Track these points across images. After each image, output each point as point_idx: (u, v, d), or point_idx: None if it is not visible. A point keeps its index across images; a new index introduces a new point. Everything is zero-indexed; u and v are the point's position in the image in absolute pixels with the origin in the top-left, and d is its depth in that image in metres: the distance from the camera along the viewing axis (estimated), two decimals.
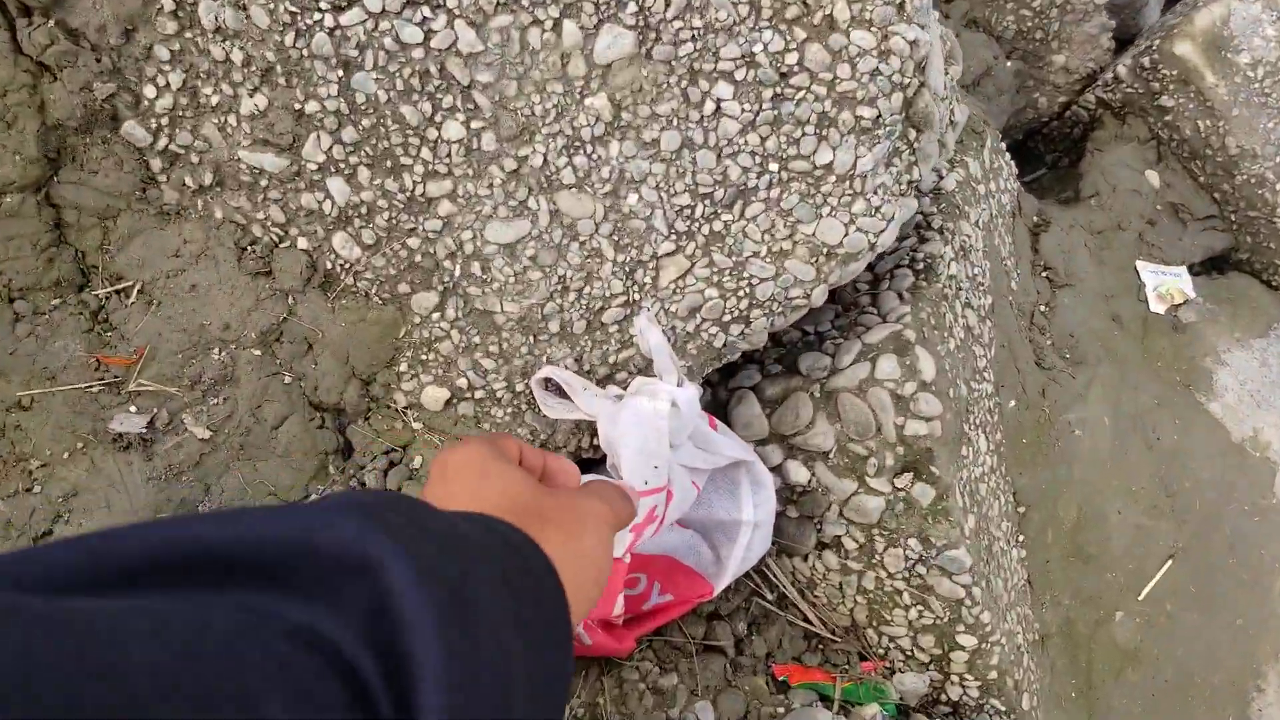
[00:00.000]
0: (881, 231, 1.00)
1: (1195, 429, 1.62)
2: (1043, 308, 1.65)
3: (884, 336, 1.15)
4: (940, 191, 1.42)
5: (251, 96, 0.94)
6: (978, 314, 1.36)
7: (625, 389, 1.06)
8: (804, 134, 0.95)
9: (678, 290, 1.04)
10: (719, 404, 1.26)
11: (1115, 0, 2.35)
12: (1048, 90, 2.11)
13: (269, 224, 1.04)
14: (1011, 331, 1.49)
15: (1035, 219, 1.78)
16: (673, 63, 0.95)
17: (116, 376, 1.04)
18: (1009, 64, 2.02)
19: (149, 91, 0.93)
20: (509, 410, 1.10)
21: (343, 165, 0.98)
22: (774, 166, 0.97)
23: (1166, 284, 1.81)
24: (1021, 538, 1.39)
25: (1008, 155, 1.78)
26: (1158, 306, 1.78)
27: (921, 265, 1.26)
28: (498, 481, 0.58)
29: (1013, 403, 1.41)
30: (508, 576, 0.40)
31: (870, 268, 1.33)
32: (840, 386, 1.14)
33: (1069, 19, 2.01)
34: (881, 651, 1.29)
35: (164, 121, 0.96)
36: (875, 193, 0.98)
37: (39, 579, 0.27)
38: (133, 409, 1.04)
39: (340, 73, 0.93)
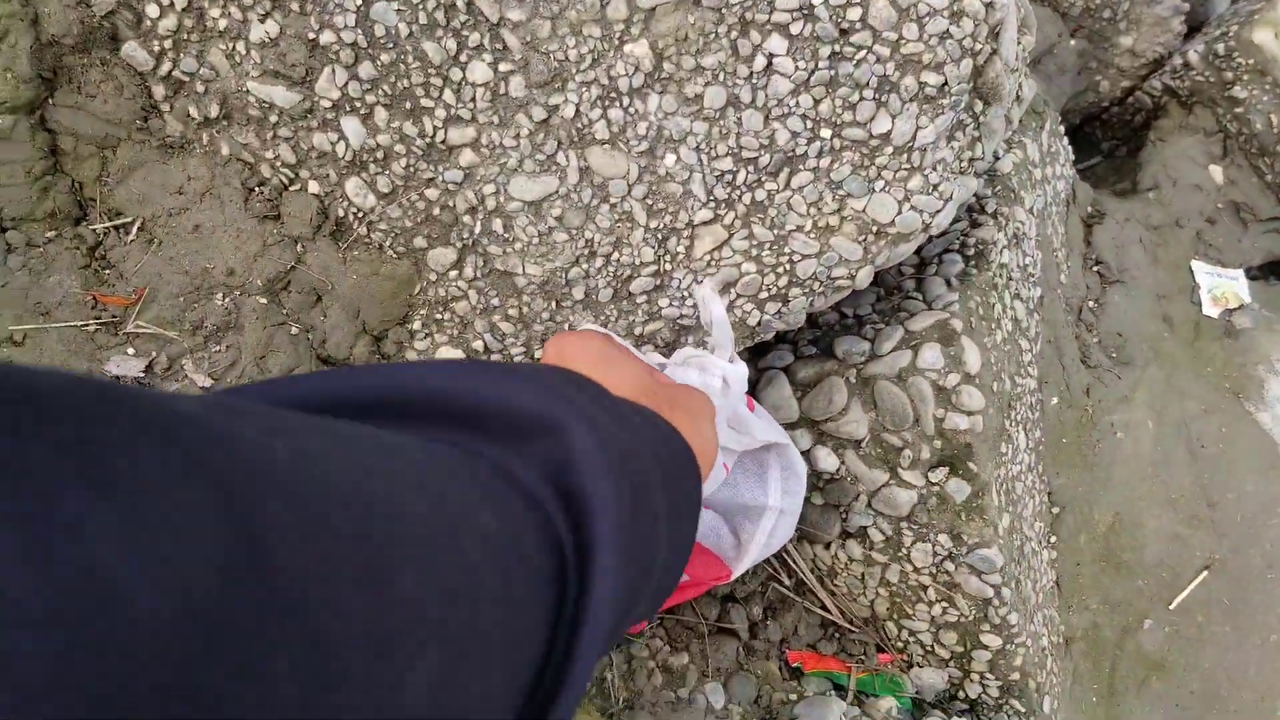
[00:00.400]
0: (938, 212, 0.87)
1: (1242, 439, 1.48)
2: (1091, 304, 1.51)
3: (929, 324, 1.02)
4: (996, 174, 1.28)
5: (262, 22, 0.82)
6: (1026, 306, 1.22)
7: (667, 355, 0.95)
8: (861, 99, 0.83)
9: (713, 263, 0.93)
10: (748, 384, 1.14)
11: None
12: (1111, 74, 1.94)
13: (278, 164, 0.92)
14: (1059, 326, 1.35)
15: (1090, 209, 1.63)
16: (723, 10, 0.82)
17: (114, 316, 0.94)
18: (1073, 43, 1.85)
19: (151, 10, 0.82)
20: None
21: (358, 104, 0.87)
22: (826, 133, 0.84)
23: (1222, 287, 1.65)
24: (1054, 539, 1.27)
25: (1065, 140, 1.63)
26: (1211, 310, 1.63)
27: (973, 251, 1.13)
28: (621, 367, 0.59)
29: (1055, 400, 1.28)
30: (657, 452, 0.42)
31: (917, 251, 1.20)
32: (878, 373, 1.02)
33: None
34: (900, 645, 1.18)
35: (167, 44, 0.84)
36: (934, 169, 0.85)
37: (293, 400, 0.31)
38: (130, 351, 0.94)
39: (359, 1, 0.81)
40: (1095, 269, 1.54)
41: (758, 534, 1.00)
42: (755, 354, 1.17)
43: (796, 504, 0.99)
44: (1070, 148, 1.63)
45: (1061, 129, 1.62)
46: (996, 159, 1.31)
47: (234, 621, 0.17)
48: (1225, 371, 1.55)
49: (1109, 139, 2.02)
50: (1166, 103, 1.85)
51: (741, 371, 0.89)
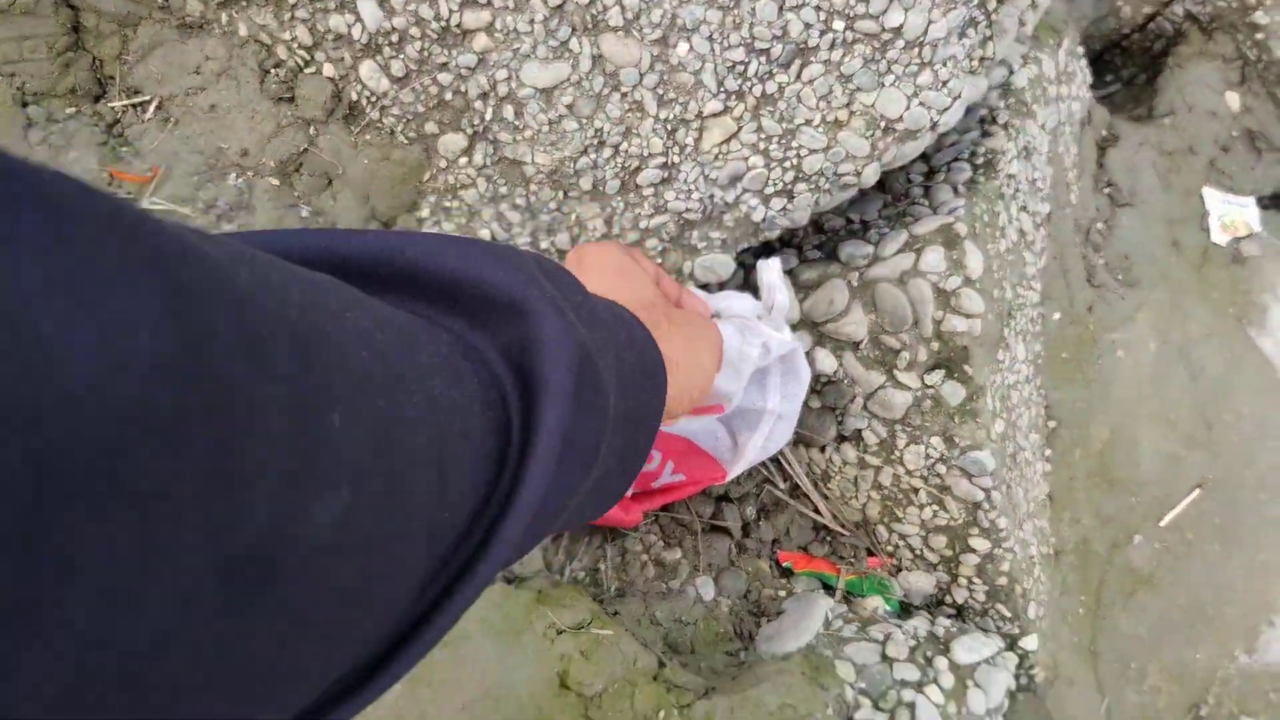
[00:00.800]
0: (946, 109, 0.89)
1: (1243, 363, 1.51)
2: (1100, 225, 1.52)
3: (934, 228, 1.04)
4: (1010, 87, 1.28)
5: None
6: (1033, 220, 1.24)
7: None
8: None
9: (720, 155, 0.94)
10: (753, 287, 1.17)
11: None
12: (1133, 0, 1.92)
13: (295, 46, 0.94)
14: (1065, 244, 1.37)
15: (1104, 132, 1.64)
16: None
17: (130, 193, 0.97)
18: None
19: None
20: None
21: None
22: (839, 25, 0.85)
23: (1232, 214, 1.66)
24: (1048, 452, 1.30)
25: (1084, 61, 1.62)
26: (1220, 237, 1.64)
27: (982, 160, 1.14)
28: (633, 281, 0.61)
29: (1057, 315, 1.30)
30: (621, 354, 0.43)
31: (926, 159, 1.22)
32: (880, 276, 1.04)
33: None
34: (890, 549, 1.22)
35: None
36: (944, 64, 0.86)
37: (283, 251, 0.32)
38: None
39: None
40: (1106, 191, 1.55)
41: (755, 438, 1.03)
42: (759, 257, 1.19)
43: (795, 408, 1.02)
44: (1089, 70, 1.62)
45: (1080, 50, 1.61)
46: (1011, 72, 1.31)
47: (157, 412, 0.17)
48: (1230, 297, 1.57)
49: (1129, 66, 2.01)
50: (1187, 29, 1.83)
51: (786, 340, 0.91)
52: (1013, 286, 1.15)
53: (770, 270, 0.96)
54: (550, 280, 0.39)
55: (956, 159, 1.17)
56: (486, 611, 0.91)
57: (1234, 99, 1.74)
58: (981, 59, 0.88)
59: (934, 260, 1.02)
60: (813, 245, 1.17)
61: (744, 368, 0.84)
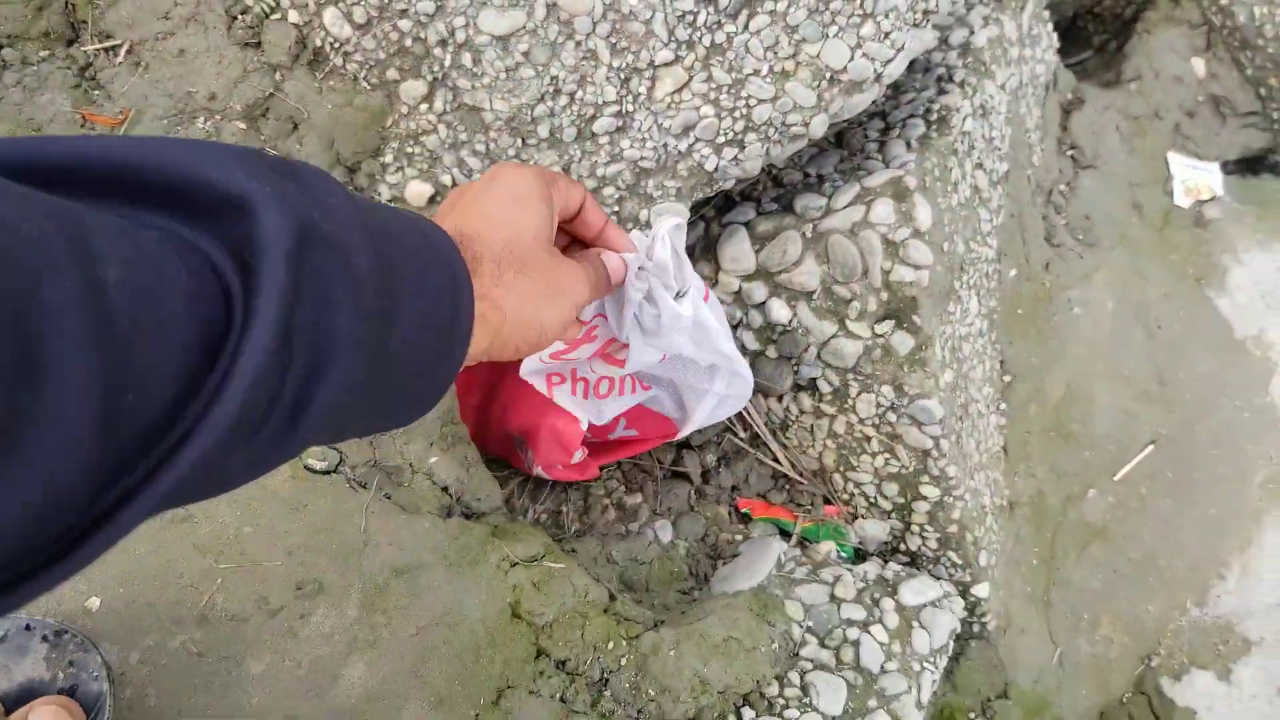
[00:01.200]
0: (889, 61, 0.93)
1: (1199, 322, 1.56)
2: (1063, 187, 1.57)
3: (884, 181, 1.08)
4: (969, 47, 1.32)
5: None
6: (989, 178, 1.29)
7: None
8: None
9: (673, 105, 0.98)
10: (711, 239, 1.21)
11: None
12: None
13: None
14: (1024, 203, 1.41)
15: (1069, 96, 1.68)
16: None
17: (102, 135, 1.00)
18: None
19: None
20: None
21: None
22: None
23: (1196, 178, 1.71)
24: (1004, 406, 1.35)
25: (1050, 26, 1.66)
26: (1183, 200, 1.69)
27: (936, 117, 1.19)
28: (522, 214, 0.58)
29: (1013, 272, 1.35)
30: (395, 264, 0.42)
31: (884, 117, 1.26)
32: (832, 227, 1.09)
33: None
34: (846, 497, 1.27)
35: None
36: (886, 16, 0.90)
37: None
38: None
39: None
40: (1069, 153, 1.60)
41: (702, 407, 1.06)
42: (721, 210, 1.24)
43: (742, 397, 1.04)
44: (1054, 34, 1.66)
45: (1046, 14, 1.65)
46: (971, 33, 1.35)
47: None
48: (1190, 259, 1.62)
49: (1100, 33, 2.05)
50: None
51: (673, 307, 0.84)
52: (965, 241, 1.19)
53: (660, 224, 0.90)
54: (286, 178, 0.38)
55: (912, 116, 1.21)
56: (441, 542, 0.96)
57: (1200, 65, 1.79)
58: (925, 11, 0.93)
59: (884, 212, 1.06)
60: (770, 199, 1.21)
61: (624, 304, 0.84)
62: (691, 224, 1.23)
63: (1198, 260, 1.62)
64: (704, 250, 1.21)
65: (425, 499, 0.98)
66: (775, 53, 0.94)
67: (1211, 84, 1.78)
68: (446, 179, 1.04)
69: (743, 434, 1.29)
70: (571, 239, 0.74)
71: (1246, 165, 1.88)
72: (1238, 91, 1.78)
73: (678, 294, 0.85)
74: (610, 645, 0.97)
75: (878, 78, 0.95)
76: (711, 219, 1.24)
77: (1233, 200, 1.71)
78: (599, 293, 0.69)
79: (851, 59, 0.93)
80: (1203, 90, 1.78)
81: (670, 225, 0.81)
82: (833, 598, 1.11)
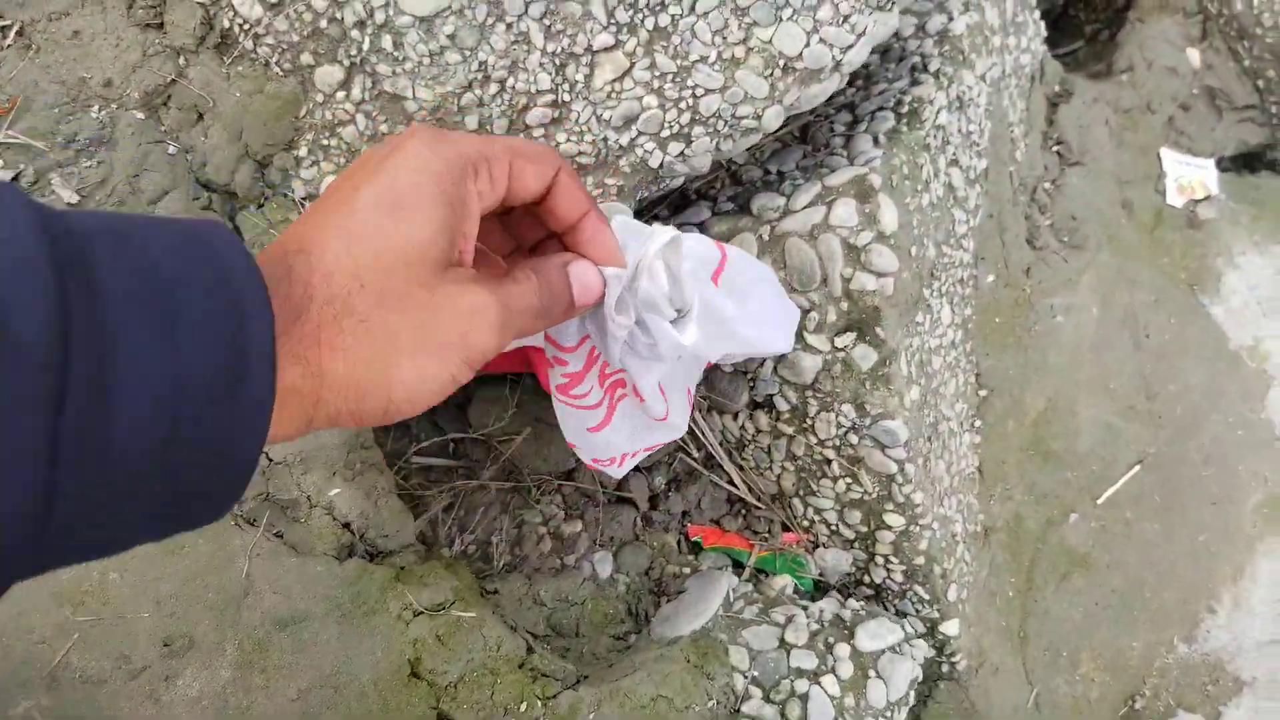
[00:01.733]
0: (849, 47, 0.89)
1: (1191, 330, 1.53)
2: (1047, 185, 1.54)
3: (847, 180, 1.04)
4: (947, 35, 1.29)
5: None
6: (965, 175, 1.25)
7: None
8: None
9: (613, 94, 0.94)
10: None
11: None
12: None
13: None
14: (1005, 202, 1.38)
15: (1056, 88, 1.65)
16: None
17: None
18: None
19: None
20: None
21: None
22: None
23: (1189, 176, 1.68)
24: (979, 423, 1.32)
25: (1037, 14, 1.63)
26: (1176, 199, 1.66)
27: (907, 109, 1.15)
28: (389, 232, 0.43)
29: (991, 278, 1.31)
30: (109, 329, 0.32)
31: (852, 109, 1.22)
32: (790, 230, 1.05)
33: None
34: (806, 524, 1.23)
35: None
36: None
37: None
38: None
39: None
40: (1055, 149, 1.57)
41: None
42: (676, 210, 1.19)
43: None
44: (1041, 22, 1.63)
45: (1033, 1, 1.62)
46: (950, 19, 1.32)
47: None
48: (1182, 262, 1.59)
49: (1092, 22, 2.02)
50: None
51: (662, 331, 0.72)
52: (937, 245, 1.16)
53: (649, 240, 0.71)
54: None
55: (881, 108, 1.17)
56: (334, 589, 0.91)
57: (1195, 55, 1.76)
58: None
59: (845, 214, 1.02)
60: (727, 198, 1.17)
61: (607, 335, 0.74)
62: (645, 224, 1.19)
63: (1190, 263, 1.59)
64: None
65: (322, 538, 0.93)
66: (724, 37, 0.90)
67: (1207, 75, 1.76)
68: None
69: (696, 454, 1.25)
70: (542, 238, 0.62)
71: (1243, 162, 1.86)
72: (1234, 83, 1.76)
73: (678, 313, 0.72)
74: (523, 707, 0.92)
75: (837, 66, 0.92)
76: (666, 219, 1.19)
77: (1228, 199, 1.69)
78: (543, 323, 0.54)
79: (807, 45, 0.89)
80: (1198, 82, 1.76)
81: (661, 244, 0.68)
82: (782, 643, 1.07)
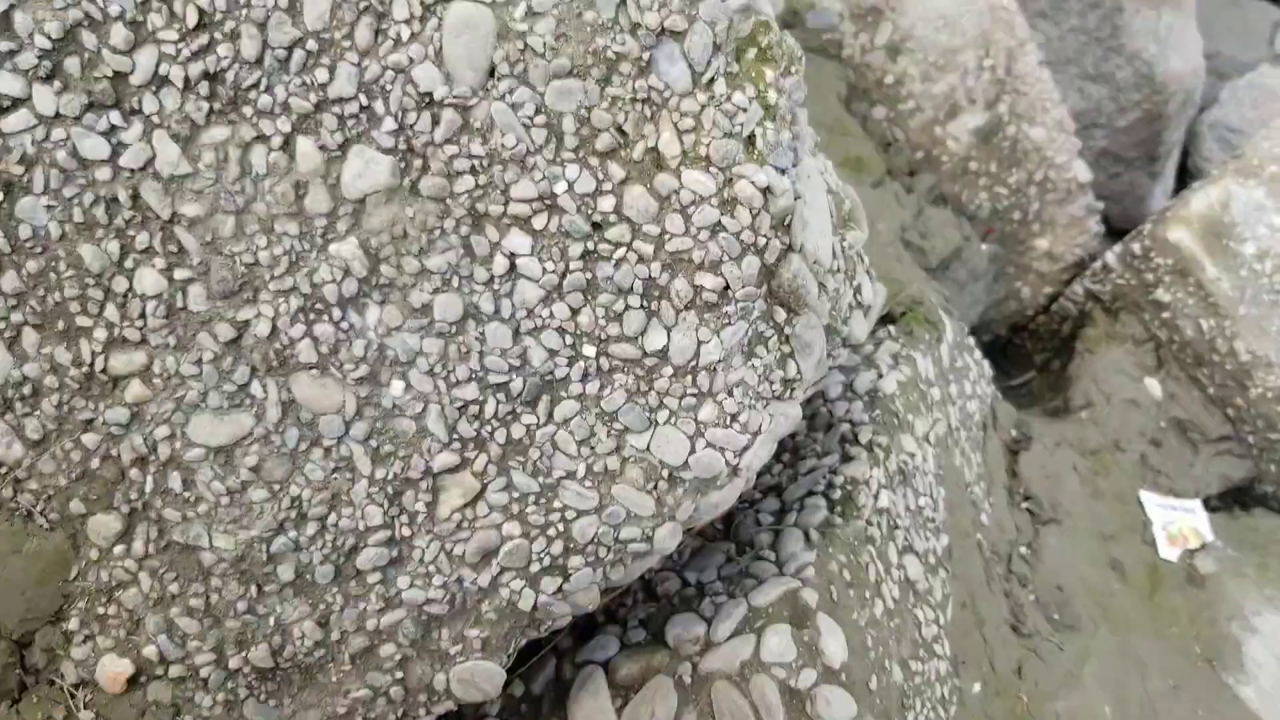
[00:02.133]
0: (744, 449, 0.75)
1: None
2: (1024, 549, 1.37)
3: (776, 597, 0.87)
4: (877, 395, 1.16)
5: None
6: (923, 562, 1.07)
7: None
8: (627, 307, 0.74)
9: (464, 524, 0.79)
10: (563, 684, 0.96)
11: (1113, 187, 2.21)
12: (1031, 279, 1.93)
13: None
14: (976, 584, 1.20)
15: (1014, 433, 1.53)
16: (448, 200, 0.74)
17: None
18: (984, 247, 1.82)
19: None
20: (220, 698, 0.81)
21: (1, 325, 0.75)
22: (590, 350, 0.74)
23: (1178, 522, 1.54)
24: None
25: (978, 353, 1.54)
26: (1168, 551, 1.51)
27: (839, 494, 0.99)
28: None
29: (977, 687, 1.11)
30: None
31: (778, 492, 1.06)
32: (715, 669, 0.86)
33: (1050, 198, 1.84)
34: None
35: None
36: (730, 393, 0.74)
37: None
38: None
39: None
40: (1024, 506, 1.42)
41: None
42: (579, 639, 1.00)
43: None
44: (985, 362, 1.54)
45: (970, 341, 1.53)
46: (880, 376, 1.20)
47: None
48: (1193, 630, 1.40)
49: (1040, 351, 1.98)
50: (1091, 309, 1.82)
51: None
52: (903, 663, 0.96)
53: None
54: None
55: (811, 493, 1.01)
56: None
57: (1154, 385, 1.69)
58: (785, 381, 0.76)
59: (779, 646, 0.83)
60: (639, 619, 0.97)
61: None
62: (540, 661, 0.99)
63: (1201, 630, 1.40)
64: (554, 703, 0.95)
65: None
66: (592, 447, 0.76)
67: (1172, 406, 1.67)
68: (152, 651, 0.81)
69: None
70: None
71: (1232, 498, 1.74)
72: (1202, 413, 1.67)
73: None
74: None
75: (735, 471, 0.77)
76: (565, 652, 0.99)
77: (1225, 546, 1.54)
78: None
79: (693, 451, 0.75)
80: (1163, 414, 1.67)
81: None
82: None
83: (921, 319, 1.33)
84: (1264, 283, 1.63)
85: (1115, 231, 2.04)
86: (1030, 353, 2.05)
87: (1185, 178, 2.47)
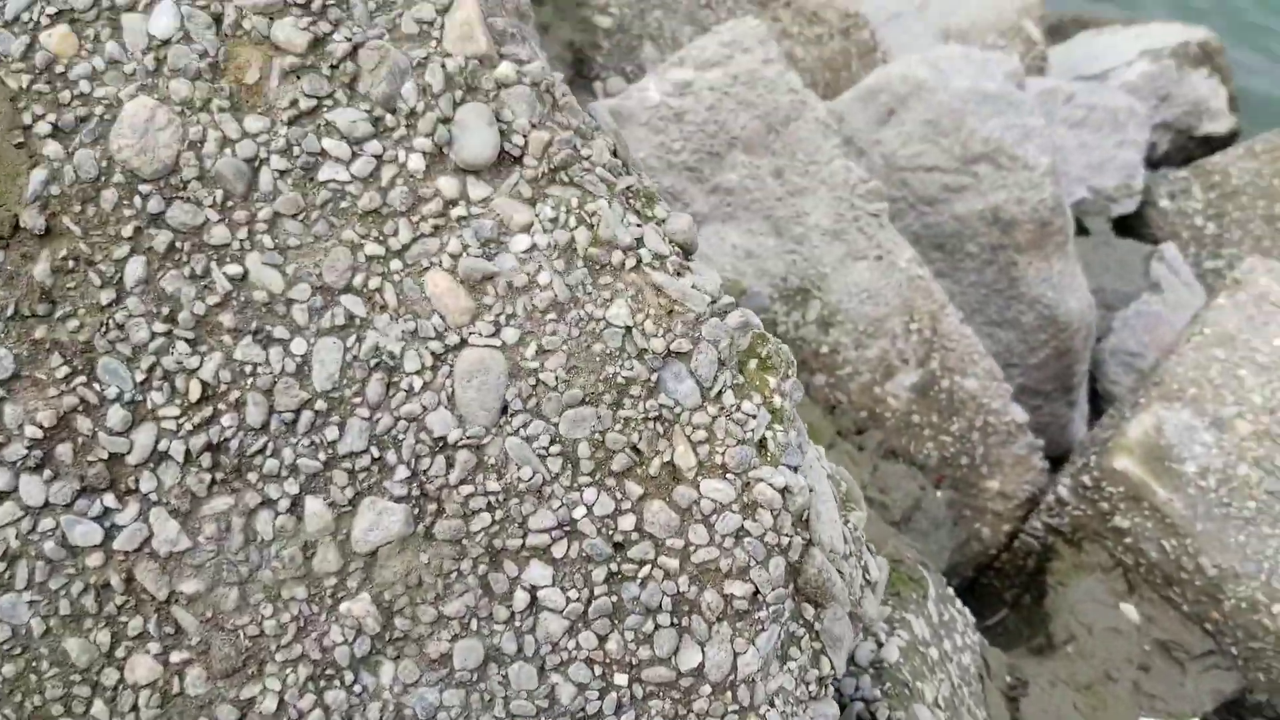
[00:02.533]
0: None
1: None
2: None
3: None
4: (882, 666, 1.15)
5: None
6: None
7: None
8: (657, 627, 0.73)
9: None
10: None
11: (1037, 420, 2.30)
12: (989, 519, 1.97)
13: None
14: None
15: (1009, 679, 1.51)
16: (464, 541, 0.73)
17: None
18: (939, 494, 1.88)
19: None
20: None
21: None
22: (621, 679, 0.72)
23: None
24: None
25: (959, 602, 1.55)
26: None
27: None
28: None
29: None
30: None
31: None
32: None
33: (993, 441, 1.92)
34: None
35: None
36: (772, 704, 0.73)
37: None
38: None
39: None
40: None
41: None
42: None
43: None
44: (967, 610, 1.54)
45: (951, 592, 1.54)
46: (880, 645, 1.19)
47: None
48: None
49: (1009, 588, 2.00)
50: (1054, 542, 1.86)
51: None
52: None
53: None
54: None
55: None
56: None
57: (1131, 610, 1.71)
58: (820, 679, 0.75)
59: None
60: None
61: None
62: None
63: None
64: None
65: None
66: None
67: (1152, 629, 1.69)
68: None
69: None
70: None
71: (1229, 711, 1.72)
72: (1183, 632, 1.69)
73: None
74: None
75: None
76: None
77: None
78: None
79: None
80: (1145, 638, 1.68)
81: None
82: None
83: (905, 578, 1.33)
84: (1212, 497, 1.69)
85: (1049, 459, 2.12)
86: (999, 590, 2.06)
87: (1098, 401, 2.61)
